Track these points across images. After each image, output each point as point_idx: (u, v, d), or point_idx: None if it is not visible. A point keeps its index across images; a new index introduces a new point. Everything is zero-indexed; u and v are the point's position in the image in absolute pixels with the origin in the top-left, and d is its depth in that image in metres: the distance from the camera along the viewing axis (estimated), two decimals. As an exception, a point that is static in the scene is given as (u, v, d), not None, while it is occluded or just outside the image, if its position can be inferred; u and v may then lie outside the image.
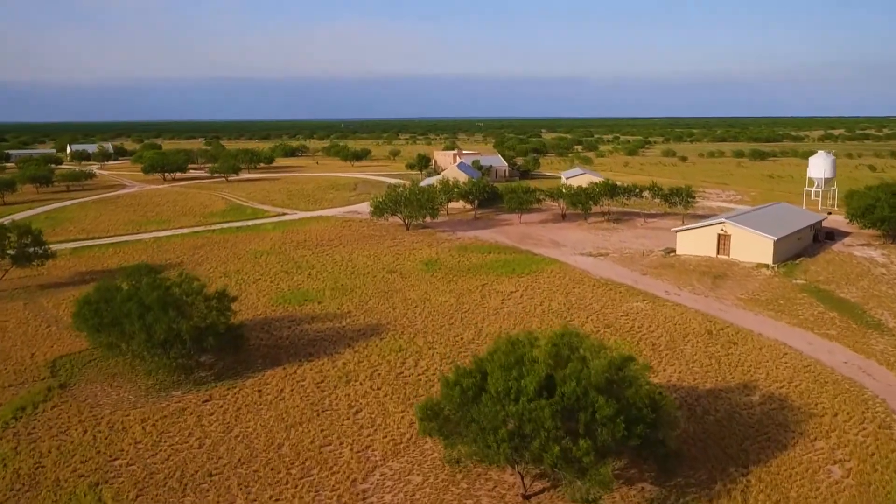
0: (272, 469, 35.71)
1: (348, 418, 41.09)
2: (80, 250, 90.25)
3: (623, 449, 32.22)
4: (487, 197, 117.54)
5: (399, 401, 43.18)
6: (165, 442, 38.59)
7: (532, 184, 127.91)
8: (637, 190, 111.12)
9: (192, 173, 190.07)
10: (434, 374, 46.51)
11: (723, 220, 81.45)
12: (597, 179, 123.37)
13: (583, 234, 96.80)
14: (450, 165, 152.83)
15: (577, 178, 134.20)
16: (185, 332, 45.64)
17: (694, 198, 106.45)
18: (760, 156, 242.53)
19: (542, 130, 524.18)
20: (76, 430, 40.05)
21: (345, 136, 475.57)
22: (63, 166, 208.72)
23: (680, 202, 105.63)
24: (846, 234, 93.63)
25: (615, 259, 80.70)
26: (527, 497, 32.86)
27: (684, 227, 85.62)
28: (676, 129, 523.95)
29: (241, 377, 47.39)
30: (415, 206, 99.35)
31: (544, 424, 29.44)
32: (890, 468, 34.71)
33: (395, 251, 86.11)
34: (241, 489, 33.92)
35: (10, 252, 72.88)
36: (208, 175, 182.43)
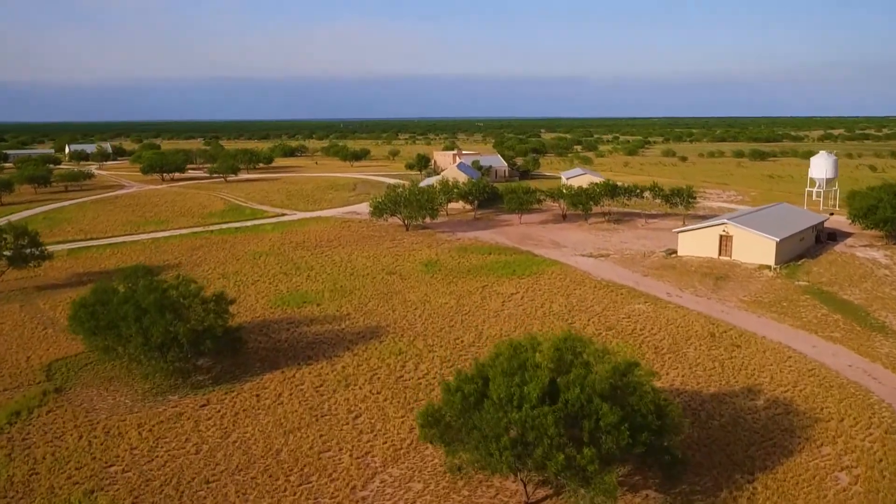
0: (270, 476, 35.14)
1: (347, 423, 40.51)
2: (78, 251, 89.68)
3: (628, 456, 31.65)
4: (487, 197, 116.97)
5: (399, 405, 42.60)
6: (162, 448, 38.01)
7: (532, 184, 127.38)
8: (638, 190, 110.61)
9: (190, 173, 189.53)
10: (434, 378, 45.92)
11: (724, 220, 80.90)
12: (597, 180, 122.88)
13: (583, 235, 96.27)
14: (449, 166, 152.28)
15: (578, 178, 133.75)
16: (183, 335, 45.02)
17: (695, 198, 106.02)
18: (760, 156, 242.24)
19: (542, 130, 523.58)
20: (71, 435, 39.48)
21: (344, 136, 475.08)
22: (61, 166, 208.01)
23: (681, 203, 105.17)
24: (848, 234, 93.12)
25: (616, 260, 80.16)
26: (529, 505, 32.30)
27: (685, 227, 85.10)
28: (676, 129, 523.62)
29: (239, 381, 46.81)
30: (414, 206, 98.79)
31: (548, 432, 28.85)
32: (898, 475, 34.14)
33: (395, 252, 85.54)
34: (238, 496, 33.35)
35: (7, 253, 72.37)
36: (207, 175, 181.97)
